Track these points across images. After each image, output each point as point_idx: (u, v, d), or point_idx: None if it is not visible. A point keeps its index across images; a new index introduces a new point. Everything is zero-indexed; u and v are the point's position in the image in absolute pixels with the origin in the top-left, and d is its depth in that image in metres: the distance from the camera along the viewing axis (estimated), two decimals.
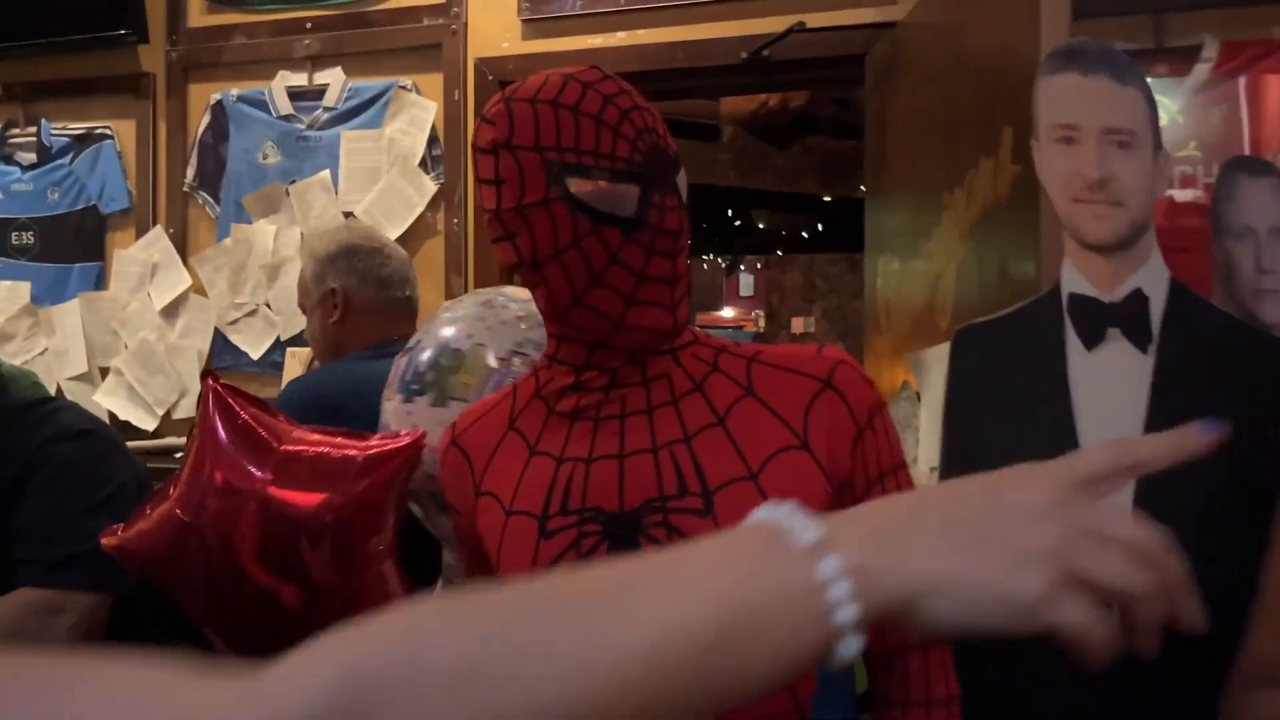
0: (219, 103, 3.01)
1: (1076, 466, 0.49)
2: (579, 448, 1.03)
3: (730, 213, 6.10)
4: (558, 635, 0.45)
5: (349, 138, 2.90)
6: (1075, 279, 1.50)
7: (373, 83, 2.90)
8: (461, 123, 2.83)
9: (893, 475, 1.04)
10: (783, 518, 0.47)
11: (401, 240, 2.78)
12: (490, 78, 2.81)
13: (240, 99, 3.00)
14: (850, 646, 0.46)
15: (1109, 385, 1.41)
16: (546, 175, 0.96)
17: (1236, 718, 0.89)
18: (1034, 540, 0.46)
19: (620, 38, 2.73)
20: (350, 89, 2.92)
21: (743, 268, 11.07)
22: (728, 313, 11.69)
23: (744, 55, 2.58)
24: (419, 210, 2.84)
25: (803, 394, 1.02)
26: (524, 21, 2.80)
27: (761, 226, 6.52)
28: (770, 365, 1.04)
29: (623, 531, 0.99)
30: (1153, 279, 1.47)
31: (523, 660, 0.45)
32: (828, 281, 9.53)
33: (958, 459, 1.57)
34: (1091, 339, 1.46)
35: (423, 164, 2.84)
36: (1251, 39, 2.33)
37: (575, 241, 0.96)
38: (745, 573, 0.46)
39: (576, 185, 0.96)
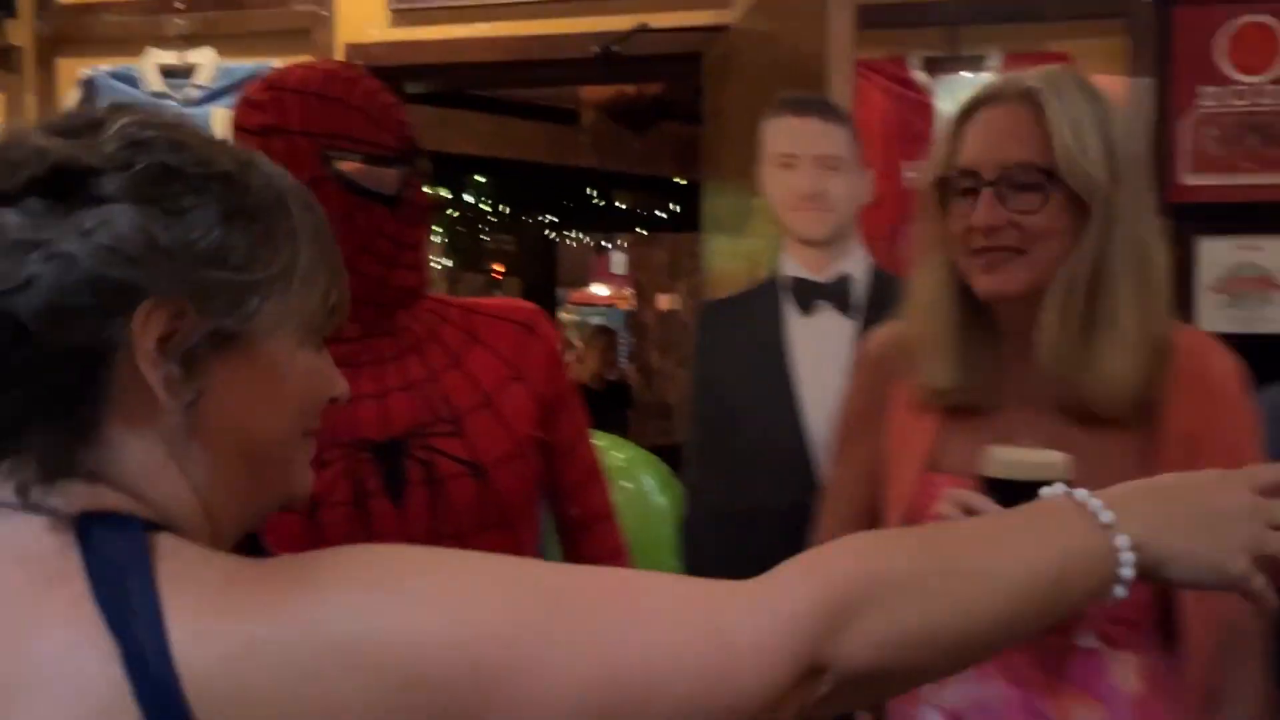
0: (90, 79, 3.10)
1: (1261, 476, 0.77)
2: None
3: (594, 193, 6.36)
4: (965, 566, 0.69)
5: (221, 117, 3.03)
6: (793, 265, 1.91)
7: (244, 64, 3.04)
8: None
9: (570, 393, 1.32)
10: (1087, 499, 0.73)
11: None
12: (359, 63, 2.98)
13: (112, 75, 3.10)
14: (1121, 591, 0.72)
15: (820, 343, 1.84)
16: (320, 158, 1.12)
17: None
18: (1240, 536, 0.74)
19: (482, 29, 2.95)
20: (221, 69, 3.05)
21: (614, 246, 11.31)
22: (601, 290, 11.91)
23: (594, 50, 2.84)
24: None
25: (513, 336, 1.26)
26: (392, 11, 2.99)
27: (624, 207, 6.81)
28: (486, 315, 1.28)
29: (390, 456, 1.17)
30: (857, 264, 1.91)
31: (949, 578, 0.67)
32: (692, 260, 9.86)
33: (707, 400, 1.95)
34: (806, 309, 1.89)
35: None
36: (1030, 50, 2.71)
37: (346, 216, 1.10)
38: (1073, 536, 0.71)
39: (345, 166, 1.13)
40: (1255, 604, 0.77)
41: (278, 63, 3.02)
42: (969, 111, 1.18)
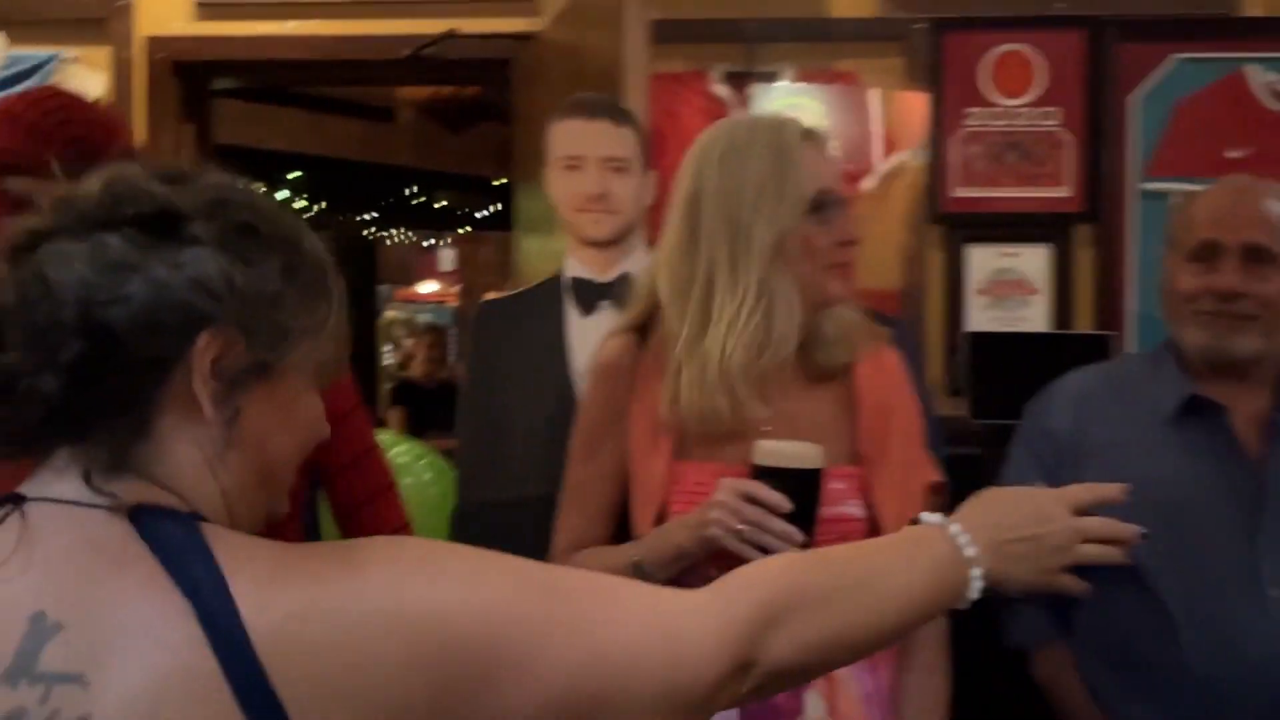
0: None
1: (1078, 499, 0.96)
2: None
3: (414, 191, 6.33)
4: (869, 583, 0.84)
5: None
6: (576, 266, 1.93)
7: (36, 52, 2.93)
8: (129, 101, 2.93)
9: (358, 409, 1.40)
10: (957, 534, 0.89)
11: None
12: (161, 56, 2.93)
13: None
14: (964, 605, 0.89)
15: (599, 341, 1.80)
16: None
17: None
18: (1062, 557, 0.93)
19: (291, 27, 2.94)
20: (10, 57, 2.93)
21: (441, 244, 11.20)
22: (428, 288, 11.77)
23: (405, 53, 2.87)
24: None
25: None
26: (198, 5, 2.94)
27: (444, 205, 6.80)
28: None
29: None
30: (639, 265, 1.84)
31: (856, 592, 0.83)
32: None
33: (478, 402, 1.98)
34: (587, 309, 1.90)
35: None
36: (820, 68, 2.91)
37: None
38: (943, 565, 0.88)
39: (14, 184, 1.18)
40: (1064, 590, 0.98)
41: (72, 52, 2.94)
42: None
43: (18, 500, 0.68)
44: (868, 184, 2.89)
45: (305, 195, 5.55)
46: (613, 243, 1.89)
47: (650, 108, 2.73)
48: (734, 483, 1.24)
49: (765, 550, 1.18)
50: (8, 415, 0.68)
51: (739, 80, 2.89)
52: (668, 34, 2.71)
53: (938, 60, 2.86)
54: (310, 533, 1.37)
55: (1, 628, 0.63)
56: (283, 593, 0.65)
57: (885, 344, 1.43)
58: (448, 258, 11.52)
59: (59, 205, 0.70)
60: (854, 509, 1.33)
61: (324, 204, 5.96)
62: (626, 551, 1.35)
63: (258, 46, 2.94)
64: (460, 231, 8.52)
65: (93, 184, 0.70)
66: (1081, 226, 2.87)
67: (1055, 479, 1.47)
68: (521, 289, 2.11)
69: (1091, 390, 1.60)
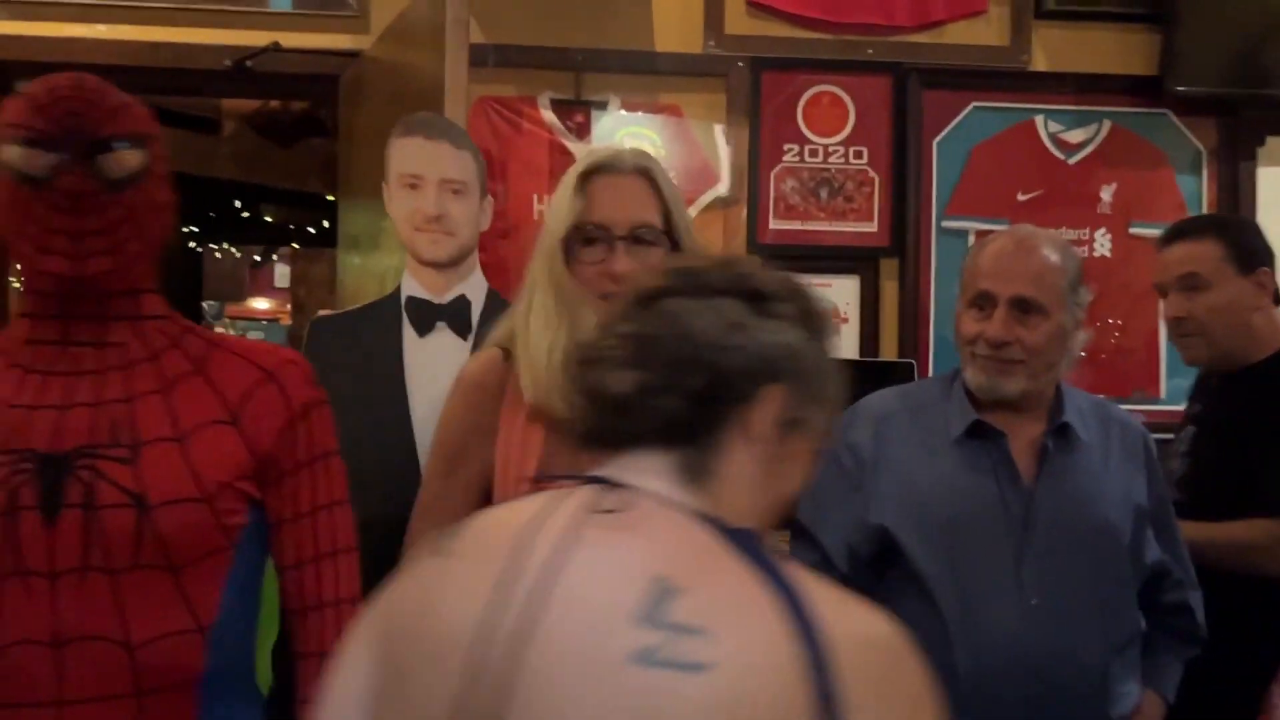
0: None
1: None
2: (25, 397, 1.17)
3: (240, 205, 6.13)
4: None
5: None
6: (413, 285, 1.94)
7: None
8: None
9: (322, 461, 1.27)
10: None
11: None
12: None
13: None
14: None
15: (434, 362, 1.86)
16: None
17: None
18: None
19: (101, 30, 2.83)
20: None
21: (273, 259, 10.85)
22: (261, 304, 11.41)
23: (227, 63, 2.81)
24: None
25: (246, 379, 1.22)
26: (1, 3, 2.80)
27: (270, 220, 6.61)
28: (229, 351, 1.25)
29: (51, 471, 1.13)
30: (474, 287, 1.96)
31: None
32: None
33: None
34: (423, 329, 1.92)
35: None
36: (646, 100, 3.00)
37: (9, 204, 1.14)
38: None
39: (5, 154, 1.14)
40: None
41: None
42: (589, 175, 1.44)
43: (605, 483, 0.85)
44: (689, 213, 2.98)
45: None
46: (450, 264, 1.91)
47: (474, 129, 2.77)
48: None
49: None
50: (618, 422, 0.87)
51: (567, 107, 2.95)
52: (493, 58, 2.75)
53: (756, 98, 2.99)
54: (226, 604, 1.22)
55: (625, 581, 0.76)
56: (849, 619, 0.79)
57: None
58: (280, 273, 11.19)
59: (682, 272, 0.91)
60: None
61: None
62: None
63: (64, 48, 2.81)
64: (291, 247, 8.29)
65: (708, 262, 0.94)
66: (887, 260, 3.04)
67: (857, 487, 1.62)
68: (356, 307, 2.11)
69: (890, 410, 1.72)
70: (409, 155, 1.90)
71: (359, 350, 1.94)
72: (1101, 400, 1.81)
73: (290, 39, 2.84)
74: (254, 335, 9.92)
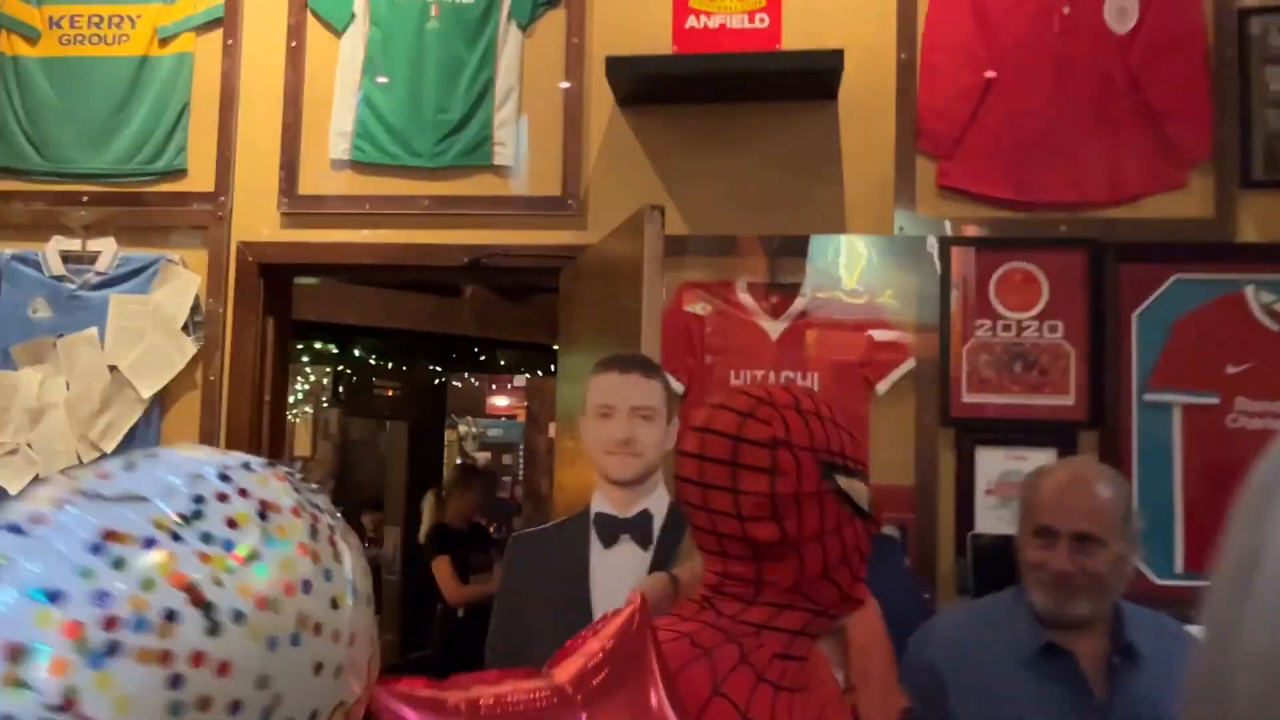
0: None
1: None
2: (784, 716, 1.14)
3: (476, 350, 6.73)
4: None
5: (118, 300, 3.30)
6: (602, 502, 2.11)
7: (143, 254, 3.33)
8: (223, 294, 3.30)
9: None
10: None
11: (162, 393, 3.21)
12: (250, 258, 3.30)
13: (14, 258, 3.35)
14: None
15: (618, 573, 2.01)
16: (821, 471, 1.16)
17: None
18: None
19: (364, 235, 3.30)
20: (121, 258, 3.33)
21: (509, 386, 11.86)
22: (501, 401, 12.30)
23: (465, 260, 3.20)
24: (179, 368, 3.27)
25: None
26: (282, 214, 3.33)
27: (504, 363, 7.20)
28: None
29: None
30: (657, 501, 2.11)
31: None
32: None
33: (509, 620, 2.14)
34: (608, 542, 2.08)
35: (184, 328, 3.28)
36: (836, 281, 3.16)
37: (837, 528, 1.17)
38: None
39: (844, 482, 1.18)
40: None
41: (174, 255, 3.33)
42: None
43: None
44: (882, 387, 3.11)
45: (379, 357, 5.95)
46: (635, 482, 2.07)
47: (674, 311, 3.03)
48: None
49: None
50: None
51: (761, 290, 3.16)
52: (692, 247, 3.04)
53: (947, 275, 3.09)
54: None
55: None
56: None
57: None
58: (518, 380, 12.10)
59: None
60: None
61: (399, 364, 6.38)
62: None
63: (335, 251, 3.31)
64: (525, 375, 8.92)
65: None
66: (1086, 433, 3.03)
67: (933, 708, 1.73)
68: (551, 524, 2.29)
69: (960, 630, 1.86)
70: (603, 388, 2.10)
71: (551, 561, 2.11)
72: (1158, 615, 1.87)
73: (518, 236, 3.21)
74: (493, 432, 10.78)
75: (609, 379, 2.11)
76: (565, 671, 1.04)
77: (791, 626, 1.18)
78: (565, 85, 3.26)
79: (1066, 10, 3.15)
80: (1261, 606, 0.61)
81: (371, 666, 0.66)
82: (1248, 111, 3.06)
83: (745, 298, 3.16)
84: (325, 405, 7.86)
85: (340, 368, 6.85)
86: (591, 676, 1.03)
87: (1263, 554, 0.63)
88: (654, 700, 1.02)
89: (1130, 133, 3.09)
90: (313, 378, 7.60)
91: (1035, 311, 3.09)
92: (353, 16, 3.34)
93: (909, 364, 3.11)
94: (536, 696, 1.02)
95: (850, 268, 3.17)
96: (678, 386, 3.05)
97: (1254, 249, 3.03)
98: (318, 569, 0.61)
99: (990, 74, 3.16)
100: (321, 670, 0.60)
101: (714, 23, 3.10)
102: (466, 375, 8.85)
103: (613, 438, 2.06)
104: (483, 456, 11.02)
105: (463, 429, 11.04)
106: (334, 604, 0.61)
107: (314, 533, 0.62)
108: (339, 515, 0.68)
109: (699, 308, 3.17)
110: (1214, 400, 3.01)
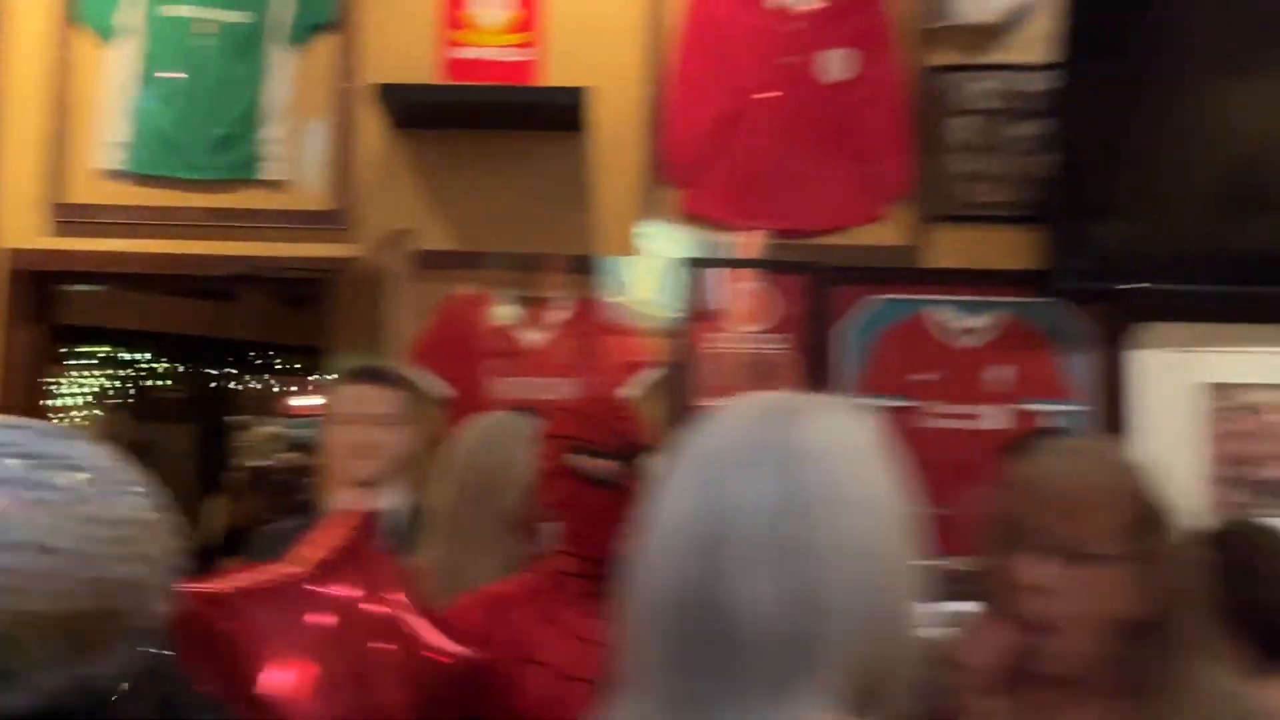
0: None
1: None
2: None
3: (253, 354, 6.74)
4: None
5: None
6: (342, 501, 2.33)
7: None
8: None
9: None
10: None
11: None
12: (20, 266, 3.33)
13: None
14: None
15: None
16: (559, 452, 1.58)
17: None
18: None
19: (137, 244, 3.37)
20: None
21: (296, 388, 11.64)
22: (309, 401, 12.03)
23: (233, 271, 3.35)
24: None
25: None
26: (56, 222, 3.36)
27: (298, 366, 7.21)
28: None
29: None
30: (393, 500, 2.36)
31: None
32: None
33: None
34: None
35: None
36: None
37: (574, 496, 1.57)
38: None
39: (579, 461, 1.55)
40: None
41: None
42: None
43: None
44: (631, 391, 3.46)
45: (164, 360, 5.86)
46: (372, 483, 2.30)
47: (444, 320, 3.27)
48: None
49: None
50: None
51: (522, 302, 3.45)
52: (454, 263, 3.30)
53: (693, 292, 3.47)
54: None
55: None
56: None
57: None
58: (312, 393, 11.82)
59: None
60: None
61: (185, 368, 6.31)
62: None
63: (106, 259, 3.38)
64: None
65: None
66: None
67: None
68: (291, 520, 2.40)
69: None
70: (344, 398, 2.36)
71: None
72: None
73: (288, 249, 3.38)
74: (301, 432, 10.59)
75: (350, 389, 2.36)
76: (306, 557, 1.51)
77: (570, 570, 1.56)
78: (336, 105, 3.45)
79: (789, 60, 3.60)
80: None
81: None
82: (937, 156, 3.59)
83: (506, 309, 3.44)
84: (110, 410, 7.64)
85: (125, 371, 6.71)
86: (330, 558, 1.48)
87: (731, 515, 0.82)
88: (383, 572, 1.49)
89: (841, 170, 3.57)
90: (99, 383, 7.39)
91: (765, 326, 3.51)
92: (122, 28, 3.41)
93: (655, 370, 3.47)
94: (287, 574, 1.50)
95: (603, 284, 3.50)
96: (447, 392, 3.30)
97: (938, 273, 3.56)
98: None
99: (727, 112, 3.56)
100: None
101: (475, 54, 3.38)
102: (266, 377, 8.74)
103: (351, 443, 2.29)
104: (289, 458, 10.57)
105: (265, 430, 10.77)
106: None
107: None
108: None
109: (466, 319, 3.42)
110: (909, 404, 3.52)
